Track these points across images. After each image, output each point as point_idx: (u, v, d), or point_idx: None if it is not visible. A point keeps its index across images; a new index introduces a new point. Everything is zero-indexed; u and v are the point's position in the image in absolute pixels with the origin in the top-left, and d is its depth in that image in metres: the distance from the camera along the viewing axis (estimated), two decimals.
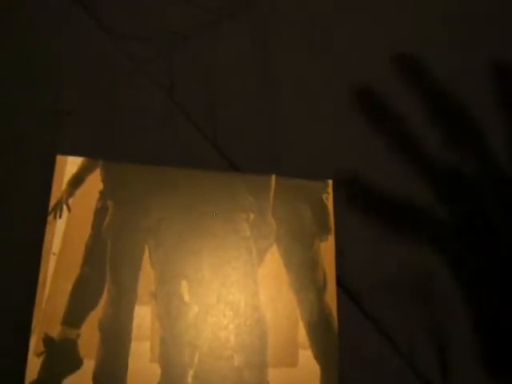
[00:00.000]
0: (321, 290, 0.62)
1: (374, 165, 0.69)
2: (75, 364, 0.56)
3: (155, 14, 0.72)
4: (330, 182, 0.66)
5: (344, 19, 0.76)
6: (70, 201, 0.61)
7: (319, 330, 0.61)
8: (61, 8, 0.70)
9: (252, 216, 0.63)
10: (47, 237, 0.59)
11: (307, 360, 0.59)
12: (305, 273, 0.62)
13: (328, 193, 0.65)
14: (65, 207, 0.61)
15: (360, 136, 0.70)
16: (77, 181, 0.62)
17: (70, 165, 0.62)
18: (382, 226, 0.66)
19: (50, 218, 0.60)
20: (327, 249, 0.63)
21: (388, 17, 0.77)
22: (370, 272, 0.64)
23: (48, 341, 0.56)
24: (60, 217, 0.60)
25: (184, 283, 0.60)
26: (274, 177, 0.65)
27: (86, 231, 0.60)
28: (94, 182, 0.62)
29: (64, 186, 0.61)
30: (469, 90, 0.74)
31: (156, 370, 0.57)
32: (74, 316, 0.57)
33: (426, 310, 0.64)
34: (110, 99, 0.67)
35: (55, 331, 0.57)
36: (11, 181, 0.62)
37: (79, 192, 0.61)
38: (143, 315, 0.58)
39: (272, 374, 0.58)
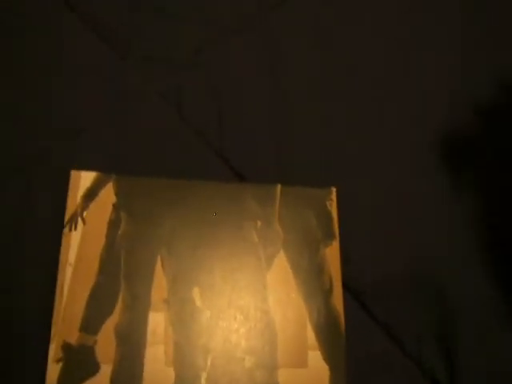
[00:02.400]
0: (327, 294, 0.64)
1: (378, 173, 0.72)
2: (93, 369, 0.58)
3: (165, 32, 0.75)
4: (334, 189, 0.68)
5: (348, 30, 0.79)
6: (85, 214, 0.64)
7: (327, 332, 0.62)
8: (70, 27, 0.73)
9: (259, 224, 0.65)
10: (63, 248, 0.62)
11: (316, 361, 0.61)
12: (312, 277, 0.64)
13: (332, 200, 0.68)
14: (80, 220, 0.63)
15: (364, 145, 0.73)
16: (91, 194, 0.64)
17: (84, 179, 0.65)
18: None
19: (66, 230, 0.63)
20: (332, 254, 0.66)
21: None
22: (375, 275, 0.66)
23: (66, 348, 0.58)
24: (75, 229, 0.63)
25: (196, 289, 0.62)
26: (279, 186, 0.67)
27: (100, 242, 0.63)
28: (108, 196, 0.65)
29: (78, 199, 0.64)
30: None
31: (170, 373, 0.59)
32: (91, 323, 0.60)
33: (433, 311, 0.66)
34: (122, 115, 0.70)
35: (73, 338, 0.59)
36: (28, 196, 0.64)
37: (93, 205, 0.64)
38: (157, 321, 0.60)
39: (282, 374, 0.60)
